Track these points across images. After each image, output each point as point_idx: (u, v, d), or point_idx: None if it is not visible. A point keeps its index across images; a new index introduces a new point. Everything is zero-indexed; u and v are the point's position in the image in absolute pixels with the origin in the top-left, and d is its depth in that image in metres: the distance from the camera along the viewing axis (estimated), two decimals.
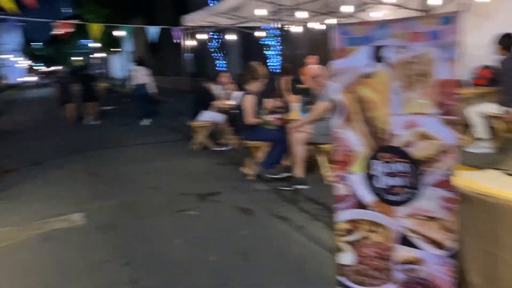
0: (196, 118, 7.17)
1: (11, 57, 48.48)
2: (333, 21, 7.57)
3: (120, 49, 34.89)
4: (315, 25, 7.80)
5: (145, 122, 11.04)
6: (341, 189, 2.50)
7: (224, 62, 17.44)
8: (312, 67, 5.25)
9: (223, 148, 7.16)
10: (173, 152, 7.28)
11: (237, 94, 6.82)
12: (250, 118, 5.13)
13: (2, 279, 3.19)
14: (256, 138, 5.25)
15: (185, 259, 3.34)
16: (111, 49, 34.73)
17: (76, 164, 6.81)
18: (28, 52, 64.51)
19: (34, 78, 54.67)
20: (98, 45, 35.92)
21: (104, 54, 41.01)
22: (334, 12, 7.43)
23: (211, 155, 6.87)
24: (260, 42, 12.43)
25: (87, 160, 7.08)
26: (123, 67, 34.00)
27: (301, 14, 6.36)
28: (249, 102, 5.15)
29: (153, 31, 8.46)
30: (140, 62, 11.78)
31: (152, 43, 25.20)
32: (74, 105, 11.92)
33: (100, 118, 12.03)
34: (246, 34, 9.72)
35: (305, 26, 8.14)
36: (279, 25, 6.11)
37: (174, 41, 7.97)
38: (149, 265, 3.27)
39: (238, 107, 5.40)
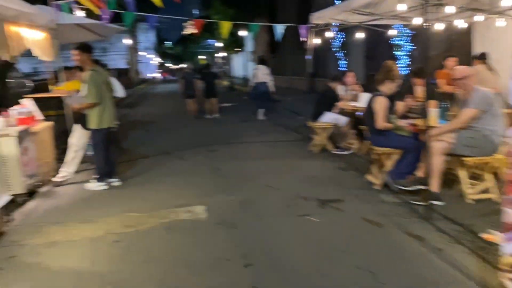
0: (318, 119, 6.92)
1: (145, 55, 53.47)
2: (480, 18, 6.70)
3: (241, 49, 36.24)
4: (459, 23, 6.98)
5: (261, 116, 11.49)
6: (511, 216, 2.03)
7: (346, 62, 16.86)
8: (456, 68, 4.61)
9: (344, 152, 6.79)
10: (291, 152, 7.13)
11: (365, 95, 6.40)
12: (381, 122, 4.71)
13: (126, 263, 3.30)
14: (386, 144, 4.80)
15: (307, 268, 3.11)
16: (233, 49, 36.25)
17: (199, 156, 7.04)
18: (160, 51, 70.58)
19: (159, 75, 59.70)
20: (221, 44, 37.81)
21: (226, 54, 43.09)
22: (480, 10, 6.57)
23: (331, 158, 6.56)
24: (389, 41, 11.68)
25: (209, 154, 7.28)
26: (244, 66, 35.30)
27: (449, 9, 5.68)
28: (381, 104, 4.73)
29: (279, 30, 8.42)
30: (261, 61, 12.13)
31: (272, 42, 25.70)
32: (196, 100, 12.65)
33: (219, 113, 12.61)
34: (373, 33, 9.15)
35: (447, 24, 7.37)
36: (419, 22, 5.52)
37: (301, 39, 7.81)
38: (270, 270, 3.11)
39: (365, 109, 5.01)
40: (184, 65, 18.48)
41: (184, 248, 3.55)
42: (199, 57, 56.81)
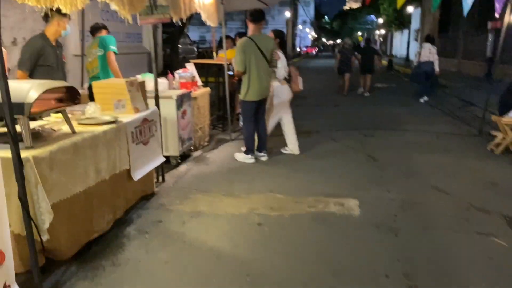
0: (506, 113, 5.63)
1: (302, 29, 53.64)
2: None
3: (404, 26, 33.47)
4: None
5: (423, 99, 10.71)
6: None
7: None
8: None
9: None
10: (463, 149, 5.99)
11: None
12: None
13: (267, 252, 2.95)
14: None
15: None
16: (396, 26, 33.68)
17: (352, 140, 6.41)
18: (317, 25, 70.10)
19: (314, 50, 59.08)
20: (382, 21, 35.50)
21: (386, 31, 40.44)
22: None
23: None
24: None
25: (363, 138, 6.59)
26: (405, 45, 32.56)
27: None
28: None
29: (467, 4, 6.99)
30: (428, 38, 11.09)
31: (441, 19, 22.91)
32: (350, 75, 12.36)
33: (371, 92, 12.31)
34: None
35: None
36: None
37: (495, 14, 6.39)
38: None
39: None
40: (340, 41, 18.17)
41: (332, 248, 3.06)
42: (357, 33, 54.72)
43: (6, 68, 3.32)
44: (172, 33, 14.42)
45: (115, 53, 5.23)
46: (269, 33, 5.36)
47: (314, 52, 56.57)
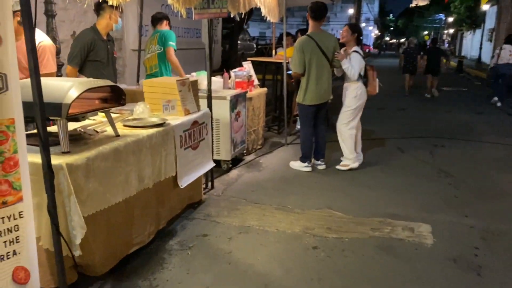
0: None
1: (365, 26, 51.96)
2: None
3: (476, 26, 31.23)
4: None
5: (496, 101, 10.12)
6: None
7: None
8: None
9: None
10: None
11: None
12: None
13: (318, 276, 2.55)
14: None
15: None
16: (468, 25, 31.51)
17: (420, 151, 5.79)
18: (381, 23, 67.69)
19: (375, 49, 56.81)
20: (451, 19, 33.41)
21: (454, 30, 38.06)
22: None
23: None
24: None
25: (433, 149, 5.94)
26: (478, 46, 30.38)
27: None
28: None
29: None
30: (509, 39, 10.31)
31: None
32: (414, 76, 12.01)
33: (435, 95, 11.61)
34: None
35: None
36: None
37: None
38: None
39: None
40: (405, 40, 17.55)
41: (400, 286, 2.60)
42: (423, 32, 52.17)
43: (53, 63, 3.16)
44: (231, 28, 14.25)
45: (174, 49, 4.98)
46: (344, 27, 4.86)
47: (367, 50, 54.67)
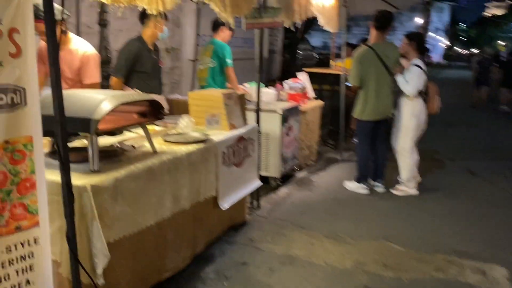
0: None
1: (434, 36, 49.60)
2: None
3: None
4: None
5: None
6: None
7: None
8: None
9: None
10: None
11: None
12: None
13: None
14: None
15: None
16: None
17: (495, 176, 5.14)
18: (451, 33, 64.41)
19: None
20: None
21: None
22: None
23: None
24: None
25: (509, 173, 5.28)
26: None
27: None
28: None
29: None
30: None
31: None
32: (488, 88, 11.34)
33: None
34: None
35: None
36: None
37: None
38: None
39: None
40: (477, 51, 16.71)
41: None
42: (499, 42, 48.82)
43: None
44: (291, 38, 14.01)
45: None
46: (403, 38, 4.44)
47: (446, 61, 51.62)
